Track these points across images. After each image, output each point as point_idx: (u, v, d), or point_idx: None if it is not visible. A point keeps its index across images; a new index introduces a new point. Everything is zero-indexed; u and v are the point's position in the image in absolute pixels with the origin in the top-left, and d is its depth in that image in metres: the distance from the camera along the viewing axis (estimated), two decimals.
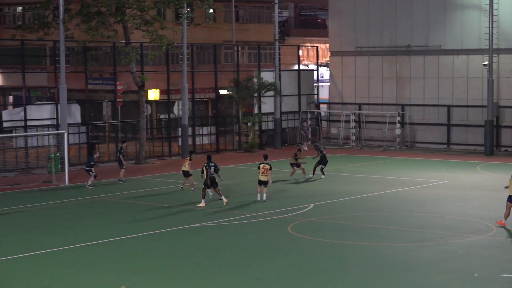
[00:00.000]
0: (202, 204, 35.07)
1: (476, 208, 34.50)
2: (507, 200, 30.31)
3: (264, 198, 36.41)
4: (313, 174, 43.79)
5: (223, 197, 35.52)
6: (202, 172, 35.25)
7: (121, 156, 43.18)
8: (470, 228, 30.45)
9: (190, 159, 39.70)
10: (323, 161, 43.90)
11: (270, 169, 36.39)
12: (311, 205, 35.30)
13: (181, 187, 39.70)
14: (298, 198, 37.03)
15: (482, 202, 35.94)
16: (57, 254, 26.84)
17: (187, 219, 32.58)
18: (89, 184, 41.15)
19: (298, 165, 43.14)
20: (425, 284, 22.86)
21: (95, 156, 42.44)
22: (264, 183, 36.43)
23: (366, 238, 29.06)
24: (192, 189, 39.13)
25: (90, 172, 41.20)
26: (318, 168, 43.87)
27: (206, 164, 35.18)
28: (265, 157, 37.88)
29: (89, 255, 26.75)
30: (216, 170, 35.45)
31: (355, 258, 25.95)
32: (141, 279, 23.58)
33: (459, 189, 39.71)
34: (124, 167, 43.07)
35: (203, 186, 35.49)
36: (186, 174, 39.32)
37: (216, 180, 35.62)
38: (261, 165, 36.58)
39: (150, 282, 23.17)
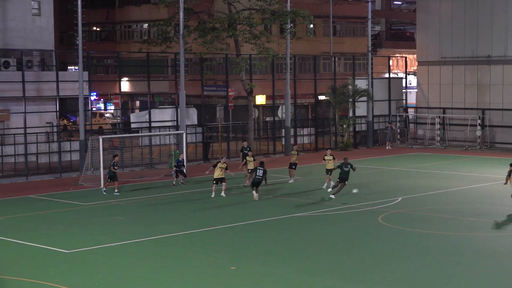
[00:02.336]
0: (255, 197, 34.97)
1: None
2: None
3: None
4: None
5: (254, 192, 35.08)
6: (250, 172, 36.78)
7: (242, 154, 41.58)
8: None
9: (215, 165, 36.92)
10: (342, 177, 34.87)
11: (334, 158, 38.25)
12: (399, 198, 34.92)
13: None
14: (387, 192, 36.65)
15: None
16: (175, 238, 27.24)
17: (289, 209, 32.59)
18: (173, 183, 40.02)
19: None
20: (502, 271, 22.39)
21: (180, 158, 40.66)
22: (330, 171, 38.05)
23: (449, 228, 28.61)
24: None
25: (173, 172, 40.52)
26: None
27: (257, 167, 35.59)
28: (328, 150, 39.76)
29: (203, 240, 27.07)
30: (264, 175, 35.21)
31: (439, 246, 25.60)
32: (248, 261, 23.73)
33: None
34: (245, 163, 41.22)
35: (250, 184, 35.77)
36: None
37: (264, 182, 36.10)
38: (326, 157, 38.30)
39: (256, 265, 23.28)
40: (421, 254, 24.52)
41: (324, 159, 38.22)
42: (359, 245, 26.03)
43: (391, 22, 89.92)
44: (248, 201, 34.86)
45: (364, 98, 59.94)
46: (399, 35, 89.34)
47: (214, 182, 36.20)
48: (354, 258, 24.08)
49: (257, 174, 35.12)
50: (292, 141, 54.81)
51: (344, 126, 58.44)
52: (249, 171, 38.42)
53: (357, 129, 60.80)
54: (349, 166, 34.90)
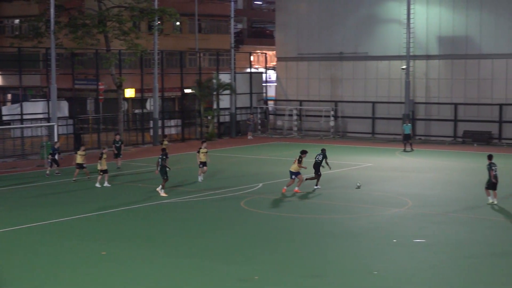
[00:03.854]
0: (163, 193, 32.36)
1: (396, 186, 34.70)
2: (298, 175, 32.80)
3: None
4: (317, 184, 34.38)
5: (162, 190, 32.36)
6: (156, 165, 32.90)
7: (114, 147, 40.92)
8: (391, 203, 30.62)
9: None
10: (316, 169, 34.36)
11: (206, 152, 36.17)
12: (260, 184, 35.20)
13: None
14: (249, 179, 36.86)
15: (401, 181, 36.15)
16: (49, 226, 26.50)
17: (159, 196, 32.29)
18: (47, 173, 38.84)
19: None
20: (356, 249, 22.93)
21: (55, 146, 39.51)
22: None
23: (308, 211, 29.08)
24: (88, 177, 36.79)
25: (49, 161, 39.11)
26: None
27: (159, 155, 32.78)
28: (203, 142, 37.43)
29: (77, 227, 26.44)
30: (163, 162, 32.33)
31: (299, 228, 25.95)
32: (117, 246, 23.35)
33: (382, 171, 39.90)
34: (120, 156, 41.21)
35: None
36: (81, 166, 36.60)
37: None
38: (201, 149, 36.07)
39: (128, 250, 22.93)
40: (282, 236, 24.78)
41: (198, 151, 36.33)
42: (225, 228, 26.06)
43: (252, 21, 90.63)
44: (122, 189, 34.34)
45: (228, 92, 60.20)
46: (259, 33, 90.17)
47: (101, 173, 35.17)
48: (221, 241, 24.09)
49: (159, 162, 32.42)
50: (160, 132, 54.49)
51: (209, 117, 58.46)
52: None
53: (221, 120, 60.96)
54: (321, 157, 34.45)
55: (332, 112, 59.72)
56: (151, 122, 54.80)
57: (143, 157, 45.88)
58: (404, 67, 55.21)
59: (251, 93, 64.03)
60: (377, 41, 58.48)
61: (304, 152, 33.50)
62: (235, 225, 26.58)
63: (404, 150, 48.62)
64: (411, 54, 55.31)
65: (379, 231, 25.33)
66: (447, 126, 55.82)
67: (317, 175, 34.26)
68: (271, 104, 66.61)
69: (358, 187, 34.16)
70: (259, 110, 63.97)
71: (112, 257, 22.02)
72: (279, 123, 63.58)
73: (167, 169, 32.67)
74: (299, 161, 32.98)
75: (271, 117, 65.23)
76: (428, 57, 56.30)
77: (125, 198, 32.19)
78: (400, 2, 56.34)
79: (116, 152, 41.07)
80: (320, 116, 60.30)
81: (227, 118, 61.33)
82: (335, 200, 31.34)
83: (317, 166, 34.36)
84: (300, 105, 62.25)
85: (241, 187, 34.51)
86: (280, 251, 22.80)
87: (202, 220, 27.54)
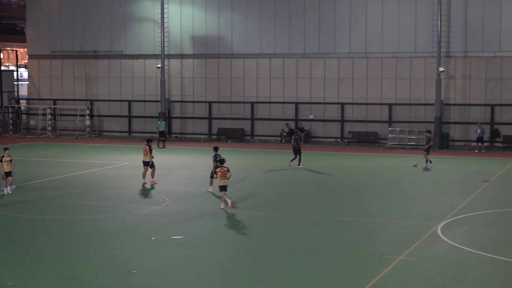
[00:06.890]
0: None
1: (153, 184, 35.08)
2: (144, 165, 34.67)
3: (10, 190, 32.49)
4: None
5: None
6: None
7: None
8: (149, 200, 30.92)
9: None
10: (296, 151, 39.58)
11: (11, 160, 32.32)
12: (13, 186, 33.98)
13: None
14: (1, 181, 35.45)
15: (158, 179, 36.53)
16: None
17: None
18: None
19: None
20: (115, 249, 22.87)
21: None
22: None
23: (63, 212, 28.55)
24: None
25: None
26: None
27: None
28: (5, 149, 33.32)
29: None
30: None
31: (55, 230, 25.40)
32: None
33: (139, 169, 39.97)
34: None
35: None
36: None
37: None
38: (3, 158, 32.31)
39: None
40: (38, 239, 24.08)
41: (1, 160, 32.11)
42: None
43: (1, 17, 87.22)
44: None
45: None
46: (9, 29, 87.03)
47: None
48: None
49: None
50: None
51: None
52: None
53: None
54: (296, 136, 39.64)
55: (87, 111, 59.09)
56: None
57: None
58: (159, 66, 55.88)
59: (1, 92, 61.76)
60: (132, 39, 58.67)
61: (150, 141, 35.35)
62: None
63: (158, 147, 49.42)
64: (166, 53, 56.15)
65: (137, 230, 25.46)
66: (202, 124, 57.26)
67: (299, 154, 39.03)
68: (23, 103, 64.63)
69: (415, 166, 39.82)
70: (10, 110, 61.81)
71: None
72: (32, 122, 61.86)
73: None
74: (150, 150, 34.43)
75: (23, 116, 63.30)
76: (182, 56, 57.39)
77: None
78: (154, 1, 56.98)
79: None
80: (75, 115, 59.48)
81: None
82: (91, 200, 31.05)
83: (295, 148, 39.08)
84: (54, 104, 60.98)
85: None
86: (36, 254, 22.22)
87: None
